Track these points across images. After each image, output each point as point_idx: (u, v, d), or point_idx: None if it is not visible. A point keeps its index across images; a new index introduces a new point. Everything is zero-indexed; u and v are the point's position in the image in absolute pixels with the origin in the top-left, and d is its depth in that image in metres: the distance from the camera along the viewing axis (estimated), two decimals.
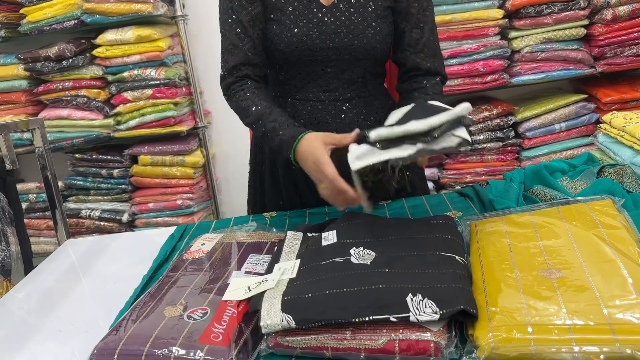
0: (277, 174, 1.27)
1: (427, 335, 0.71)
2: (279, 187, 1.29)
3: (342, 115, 1.20)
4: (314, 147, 0.98)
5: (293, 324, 0.74)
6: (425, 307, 0.72)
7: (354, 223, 1.00)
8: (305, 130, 1.02)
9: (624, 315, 0.66)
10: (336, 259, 0.87)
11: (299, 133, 1.02)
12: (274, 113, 1.09)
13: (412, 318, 0.71)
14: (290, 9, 1.12)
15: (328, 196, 0.98)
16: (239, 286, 0.86)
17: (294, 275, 0.85)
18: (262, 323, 0.75)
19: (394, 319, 0.71)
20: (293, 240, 1.00)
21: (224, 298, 0.84)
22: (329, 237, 0.95)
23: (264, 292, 0.82)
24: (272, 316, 0.75)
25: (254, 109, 1.10)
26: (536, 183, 1.15)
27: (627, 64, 2.24)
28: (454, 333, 0.73)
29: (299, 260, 0.90)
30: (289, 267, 0.88)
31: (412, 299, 0.73)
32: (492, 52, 2.26)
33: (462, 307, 0.71)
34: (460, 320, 0.74)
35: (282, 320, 0.74)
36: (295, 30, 1.12)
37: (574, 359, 0.64)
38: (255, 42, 1.14)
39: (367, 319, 0.72)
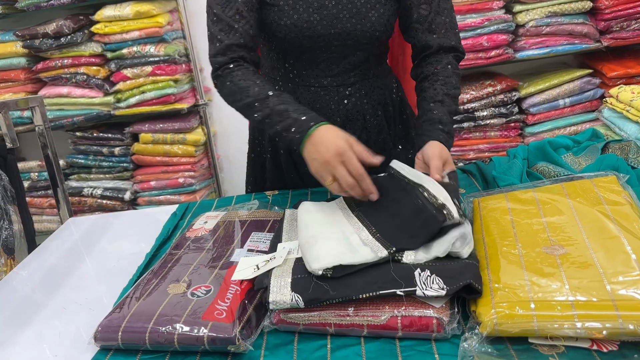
0: (278, 155, 1.25)
1: (430, 312, 0.71)
2: (280, 168, 1.26)
3: (345, 101, 1.16)
4: (343, 134, 0.91)
5: (302, 304, 0.74)
6: (432, 282, 0.72)
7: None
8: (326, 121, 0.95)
9: (627, 292, 0.66)
10: None
11: (320, 120, 0.94)
12: (284, 96, 0.99)
13: (418, 292, 0.71)
14: None
15: (344, 186, 0.90)
16: (248, 265, 0.86)
17: (300, 255, 0.85)
18: (270, 299, 0.75)
19: (401, 293, 0.71)
20: (292, 219, 0.99)
21: (233, 278, 0.84)
22: None
23: (271, 269, 0.82)
24: (282, 293, 0.75)
25: (256, 89, 1.00)
26: (540, 159, 1.14)
27: (634, 38, 2.20)
28: (456, 309, 0.73)
29: None
30: (294, 247, 0.88)
31: (420, 274, 0.73)
32: (497, 27, 2.22)
33: (468, 281, 0.71)
34: (463, 297, 0.74)
35: (292, 300, 0.74)
36: (295, 16, 1.06)
37: (577, 335, 0.64)
38: (252, 25, 1.05)
39: (374, 294, 0.72)
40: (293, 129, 0.94)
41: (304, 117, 0.94)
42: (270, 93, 0.99)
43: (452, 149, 2.53)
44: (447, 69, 1.09)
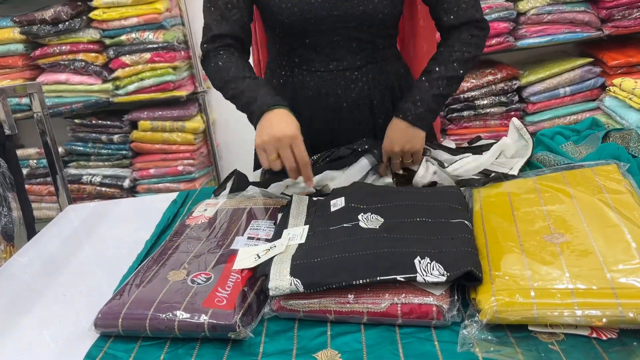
0: None
1: (430, 299, 0.71)
2: None
3: (352, 85, 1.15)
4: (298, 124, 0.97)
5: (301, 288, 0.74)
6: (433, 269, 0.72)
7: (362, 190, 0.99)
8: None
9: (627, 280, 0.66)
10: (345, 224, 0.87)
11: (286, 105, 0.99)
12: (259, 80, 1.05)
13: (419, 278, 0.71)
14: None
15: (287, 165, 0.96)
16: (248, 255, 0.86)
17: (303, 241, 0.85)
18: (270, 285, 0.75)
19: (402, 279, 0.72)
20: (299, 204, 0.99)
21: (235, 267, 0.84)
22: (337, 203, 0.95)
23: (272, 257, 0.82)
24: (281, 279, 0.76)
25: (234, 69, 1.05)
26: (540, 149, 1.14)
27: (635, 27, 2.19)
28: (456, 297, 0.73)
29: (307, 226, 0.90)
30: (297, 232, 0.88)
31: (419, 261, 0.73)
32: (498, 14, 2.21)
33: (469, 268, 0.71)
34: (463, 284, 0.74)
35: (291, 285, 0.75)
36: None
37: (576, 322, 0.64)
38: (244, 16, 1.08)
39: (374, 279, 0.72)
40: (258, 102, 0.99)
41: (272, 98, 1.00)
42: (247, 75, 1.04)
43: (451, 137, 2.51)
44: (464, 44, 1.07)
